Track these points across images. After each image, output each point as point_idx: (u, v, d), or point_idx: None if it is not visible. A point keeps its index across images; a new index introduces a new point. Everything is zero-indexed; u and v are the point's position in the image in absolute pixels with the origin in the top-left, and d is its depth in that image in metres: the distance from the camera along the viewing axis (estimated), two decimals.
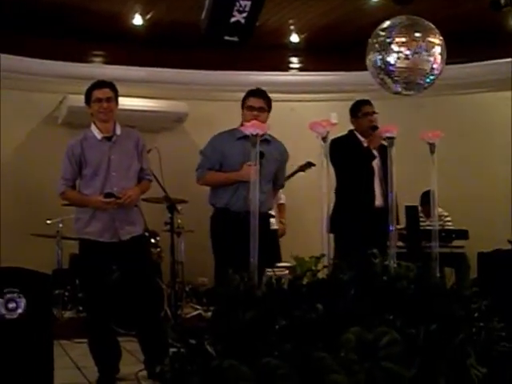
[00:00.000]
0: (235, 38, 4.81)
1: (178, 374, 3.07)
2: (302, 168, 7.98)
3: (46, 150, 8.93)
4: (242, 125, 5.56)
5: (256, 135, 3.25)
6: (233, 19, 4.71)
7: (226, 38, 4.77)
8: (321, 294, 3.23)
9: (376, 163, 6.24)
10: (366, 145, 6.28)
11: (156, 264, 7.48)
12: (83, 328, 5.90)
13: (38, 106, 9.20)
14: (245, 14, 4.67)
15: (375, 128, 6.19)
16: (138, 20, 8.94)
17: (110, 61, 9.60)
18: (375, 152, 6.23)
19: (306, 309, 3.13)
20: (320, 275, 3.38)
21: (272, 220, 8.47)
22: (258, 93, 5.63)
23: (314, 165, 7.67)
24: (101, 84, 5.37)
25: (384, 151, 6.01)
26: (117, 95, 5.40)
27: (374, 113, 6.33)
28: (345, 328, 3.10)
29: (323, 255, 3.46)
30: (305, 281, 3.31)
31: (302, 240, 7.99)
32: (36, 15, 8.51)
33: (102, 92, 5.30)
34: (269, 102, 5.62)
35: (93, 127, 5.38)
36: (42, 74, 9.07)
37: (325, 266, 3.47)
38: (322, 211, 3.62)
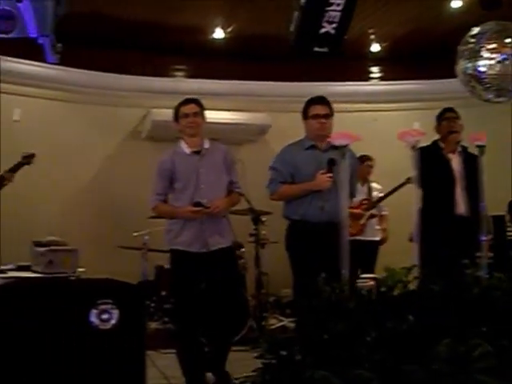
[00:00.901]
0: (325, 49, 4.80)
1: None
2: (403, 185, 7.83)
3: (130, 164, 9.13)
4: (306, 136, 5.61)
5: (345, 146, 3.24)
6: (322, 30, 4.71)
7: (316, 49, 4.77)
8: (411, 305, 3.19)
9: (458, 171, 6.15)
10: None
11: (241, 275, 7.50)
12: (172, 338, 5.97)
13: (123, 120, 9.39)
14: (334, 25, 4.65)
15: (452, 133, 6.14)
16: (219, 33, 9.04)
17: (193, 74, 9.74)
18: (450, 155, 6.17)
19: (396, 320, 3.11)
20: (411, 286, 3.34)
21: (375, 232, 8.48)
22: (321, 100, 5.57)
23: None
24: (187, 101, 5.53)
25: (469, 159, 5.96)
26: (203, 110, 5.54)
27: (454, 119, 6.25)
28: (436, 340, 3.05)
29: (414, 266, 3.42)
30: (395, 292, 3.28)
31: (393, 250, 7.95)
32: (120, 31, 8.70)
33: (189, 107, 5.46)
34: (331, 107, 5.58)
35: (182, 143, 5.52)
36: (126, 90, 9.26)
37: (416, 277, 3.43)
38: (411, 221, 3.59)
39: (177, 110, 5.51)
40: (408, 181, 7.52)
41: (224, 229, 5.49)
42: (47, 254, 4.82)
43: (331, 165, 5.18)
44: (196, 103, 5.51)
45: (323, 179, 5.23)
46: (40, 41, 3.05)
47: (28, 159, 6.63)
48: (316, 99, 5.59)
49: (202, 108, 5.53)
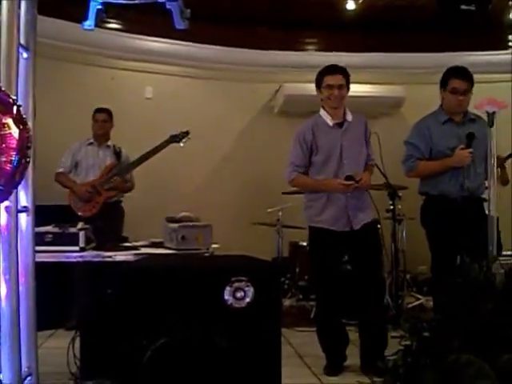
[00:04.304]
0: (472, 7, 4.54)
1: (410, 369, 2.94)
2: None
3: (263, 140, 9.13)
4: (441, 108, 5.36)
5: (493, 113, 3.02)
6: None
7: (463, 7, 4.51)
8: None
9: None
10: None
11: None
12: (314, 317, 5.93)
13: (256, 95, 9.36)
14: None
15: None
16: (350, 5, 8.82)
17: (324, 48, 9.55)
18: None
19: None
20: None
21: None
22: (463, 73, 5.30)
23: None
24: (333, 69, 5.28)
25: None
26: (348, 81, 5.30)
27: None
28: None
29: None
30: None
31: None
32: (250, 6, 8.63)
33: (334, 78, 5.22)
34: (472, 81, 5.28)
35: (323, 113, 5.33)
36: (258, 65, 9.21)
37: None
38: None
39: (320, 77, 5.29)
40: None
41: (366, 204, 5.32)
42: (180, 229, 4.80)
43: (471, 139, 4.99)
44: (342, 74, 5.27)
45: (463, 155, 5.05)
46: (167, 6, 2.95)
47: (174, 138, 6.50)
48: (458, 71, 5.33)
49: (348, 78, 5.30)
